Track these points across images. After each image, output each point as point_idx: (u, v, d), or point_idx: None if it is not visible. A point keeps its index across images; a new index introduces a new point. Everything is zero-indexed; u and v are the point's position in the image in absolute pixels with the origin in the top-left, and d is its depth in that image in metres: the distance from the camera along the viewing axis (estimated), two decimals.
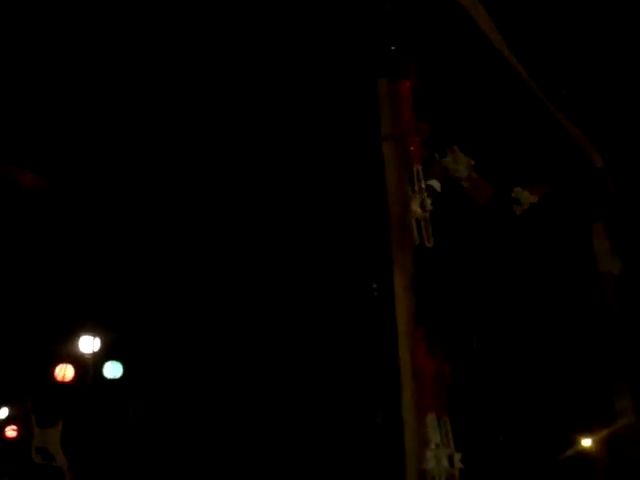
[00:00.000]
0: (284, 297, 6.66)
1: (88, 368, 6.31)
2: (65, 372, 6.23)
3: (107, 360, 6.32)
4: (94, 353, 6.31)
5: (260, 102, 5.39)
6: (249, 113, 5.51)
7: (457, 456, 2.85)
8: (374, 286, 5.30)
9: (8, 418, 6.25)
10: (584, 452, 6.20)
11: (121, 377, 6.28)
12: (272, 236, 6.72)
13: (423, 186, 3.11)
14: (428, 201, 3.13)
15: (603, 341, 5.67)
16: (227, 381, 6.07)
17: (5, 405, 6.24)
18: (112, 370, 6.31)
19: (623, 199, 5.78)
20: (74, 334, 6.34)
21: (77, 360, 6.29)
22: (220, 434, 5.79)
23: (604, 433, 5.84)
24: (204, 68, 5.02)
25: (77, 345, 6.33)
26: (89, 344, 6.33)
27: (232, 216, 6.59)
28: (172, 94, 5.29)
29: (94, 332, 6.32)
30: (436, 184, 4.25)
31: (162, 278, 6.30)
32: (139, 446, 5.73)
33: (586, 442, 6.24)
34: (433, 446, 2.82)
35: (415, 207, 3.08)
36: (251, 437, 5.73)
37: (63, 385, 6.19)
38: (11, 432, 6.19)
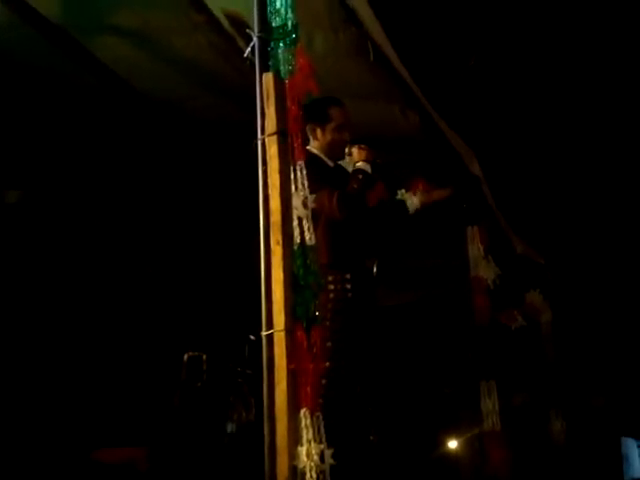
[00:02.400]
0: (159, 292, 6.58)
1: None
2: None
3: None
4: None
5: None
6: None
7: (328, 452, 2.86)
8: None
9: None
10: (451, 453, 6.36)
11: None
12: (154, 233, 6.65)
13: (305, 183, 3.11)
14: (310, 198, 3.13)
15: (471, 344, 5.81)
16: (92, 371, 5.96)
17: None
18: None
19: (497, 205, 5.95)
20: None
21: None
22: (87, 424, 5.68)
23: (469, 434, 5.99)
24: None
25: None
26: None
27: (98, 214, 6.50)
28: None
29: None
30: (367, 167, 4.29)
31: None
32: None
33: (452, 444, 6.40)
34: (305, 442, 2.82)
35: (297, 204, 3.07)
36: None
37: None
38: None
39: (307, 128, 4.42)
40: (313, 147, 4.49)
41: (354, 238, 4.40)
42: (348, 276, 4.31)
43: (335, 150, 4.52)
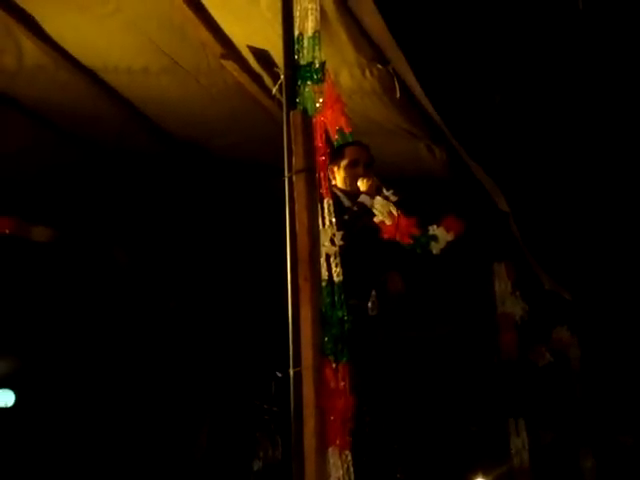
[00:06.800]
0: (182, 332, 6.60)
1: None
2: None
3: None
4: None
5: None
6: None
7: None
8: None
9: None
10: None
11: (12, 405, 6.12)
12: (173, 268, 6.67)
13: (333, 220, 3.10)
14: (338, 235, 3.13)
15: (499, 381, 5.76)
16: (121, 410, 5.96)
17: None
18: (3, 398, 6.14)
19: (525, 242, 5.92)
20: None
21: None
22: (113, 463, 5.68)
23: (498, 473, 5.92)
24: None
25: None
26: None
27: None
28: None
29: None
30: (367, 200, 4.26)
31: (54, 306, 6.17)
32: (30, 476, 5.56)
33: None
34: None
35: (325, 241, 3.07)
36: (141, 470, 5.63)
37: None
38: None
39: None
40: (333, 187, 4.50)
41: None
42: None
43: (350, 186, 4.52)
